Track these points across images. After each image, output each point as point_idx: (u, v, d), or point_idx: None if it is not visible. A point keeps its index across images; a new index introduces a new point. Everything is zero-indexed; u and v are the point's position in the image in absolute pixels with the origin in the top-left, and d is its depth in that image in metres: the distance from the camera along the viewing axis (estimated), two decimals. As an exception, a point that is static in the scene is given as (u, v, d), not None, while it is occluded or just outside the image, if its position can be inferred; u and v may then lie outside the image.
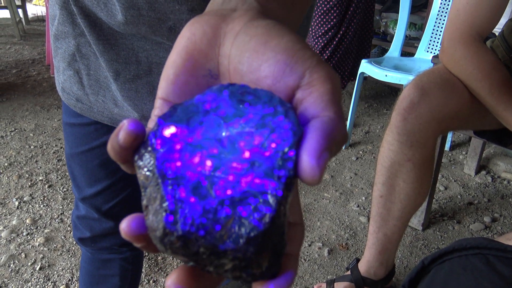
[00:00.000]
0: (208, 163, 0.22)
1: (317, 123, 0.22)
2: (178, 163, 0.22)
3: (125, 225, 0.22)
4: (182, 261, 0.22)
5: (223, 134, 0.22)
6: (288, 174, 0.21)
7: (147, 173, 0.22)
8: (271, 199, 0.21)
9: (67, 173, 1.71)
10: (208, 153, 0.22)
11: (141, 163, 0.22)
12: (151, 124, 0.26)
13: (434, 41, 2.31)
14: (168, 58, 0.26)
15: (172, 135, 0.22)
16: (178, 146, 0.22)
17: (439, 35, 2.28)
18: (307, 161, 0.21)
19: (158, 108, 0.26)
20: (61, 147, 2.13)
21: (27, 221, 1.62)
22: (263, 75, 0.24)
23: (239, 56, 0.24)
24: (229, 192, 0.21)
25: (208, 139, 0.22)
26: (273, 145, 0.22)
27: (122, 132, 0.22)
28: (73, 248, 1.51)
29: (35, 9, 4.93)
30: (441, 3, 2.24)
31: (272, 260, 0.22)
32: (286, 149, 0.21)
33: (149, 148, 0.22)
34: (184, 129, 0.22)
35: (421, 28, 2.76)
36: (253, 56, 0.24)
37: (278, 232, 0.21)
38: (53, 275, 1.40)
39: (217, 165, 0.21)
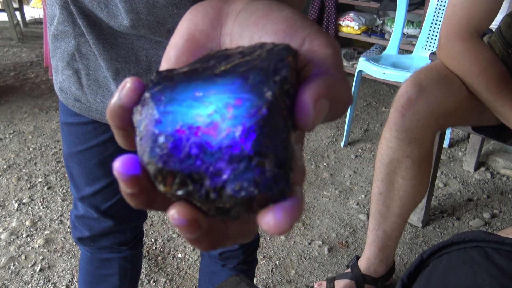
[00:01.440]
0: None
1: (322, 75, 0.21)
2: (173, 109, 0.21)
3: (119, 164, 0.21)
4: (176, 196, 0.20)
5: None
6: (283, 76, 0.20)
7: (144, 117, 0.21)
8: (267, 93, 0.20)
9: (66, 175, 1.71)
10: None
11: (139, 116, 0.21)
12: None
13: (431, 38, 2.31)
14: (170, 40, 0.26)
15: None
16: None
17: (437, 32, 2.28)
18: (304, 102, 0.20)
19: None
20: (60, 149, 2.13)
21: (27, 223, 1.62)
22: None
23: (240, 32, 0.24)
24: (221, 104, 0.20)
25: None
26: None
27: (124, 90, 0.22)
28: (73, 249, 1.50)
29: (33, 12, 4.93)
30: (438, 0, 2.24)
31: (278, 172, 0.19)
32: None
33: (147, 101, 0.22)
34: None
35: (419, 26, 2.77)
36: (254, 30, 0.24)
37: (280, 136, 0.20)
38: (53, 277, 1.39)
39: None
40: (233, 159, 0.19)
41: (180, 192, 0.20)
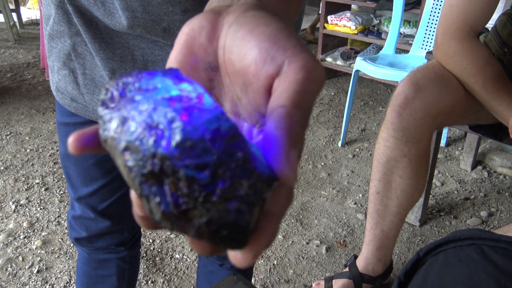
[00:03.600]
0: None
1: (273, 123, 0.22)
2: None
3: (73, 138, 0.23)
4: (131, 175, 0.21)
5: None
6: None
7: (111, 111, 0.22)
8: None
9: (64, 176, 1.71)
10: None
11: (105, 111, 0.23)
12: None
13: (428, 38, 2.31)
14: (170, 54, 0.27)
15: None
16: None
17: (433, 31, 2.28)
18: (278, 168, 0.21)
19: None
20: (57, 150, 2.13)
21: (24, 224, 1.62)
22: (247, 63, 0.24)
23: (230, 46, 0.25)
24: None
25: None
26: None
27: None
28: (70, 250, 1.50)
29: (29, 13, 4.92)
30: (434, 0, 2.25)
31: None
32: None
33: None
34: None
35: (415, 25, 2.77)
36: (241, 45, 0.24)
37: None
38: (50, 278, 1.39)
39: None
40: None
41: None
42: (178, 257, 1.49)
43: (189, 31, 0.26)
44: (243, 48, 0.24)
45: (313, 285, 1.36)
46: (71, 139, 0.22)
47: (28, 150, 2.12)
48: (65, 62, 0.62)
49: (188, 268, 1.45)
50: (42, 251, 1.49)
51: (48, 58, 0.66)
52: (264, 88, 0.24)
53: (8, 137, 2.24)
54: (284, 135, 0.21)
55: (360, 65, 2.09)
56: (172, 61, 0.26)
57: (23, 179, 1.89)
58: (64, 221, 1.64)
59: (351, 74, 2.18)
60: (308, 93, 0.23)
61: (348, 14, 2.92)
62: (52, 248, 1.51)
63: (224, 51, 0.25)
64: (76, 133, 0.23)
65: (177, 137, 0.20)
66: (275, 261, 1.48)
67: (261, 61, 0.23)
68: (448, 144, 2.26)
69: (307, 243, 1.56)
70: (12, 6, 4.17)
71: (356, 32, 2.89)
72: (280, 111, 0.22)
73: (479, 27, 1.10)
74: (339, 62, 2.97)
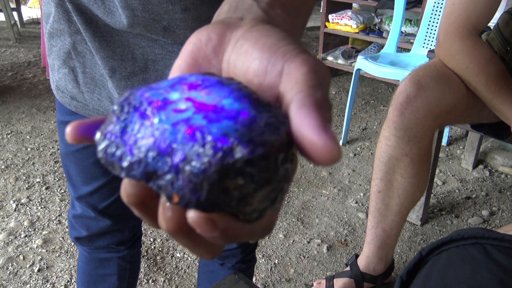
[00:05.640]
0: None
1: (297, 104, 0.21)
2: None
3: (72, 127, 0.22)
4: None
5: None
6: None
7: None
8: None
9: (64, 175, 1.70)
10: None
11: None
12: None
13: (429, 37, 2.31)
14: (174, 62, 0.27)
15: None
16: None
17: (435, 30, 2.28)
18: (317, 140, 0.19)
19: None
20: (58, 149, 2.13)
21: (25, 223, 1.62)
22: (251, 76, 0.24)
23: (235, 60, 0.25)
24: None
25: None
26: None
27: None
28: (71, 249, 1.50)
29: (30, 12, 4.92)
30: (436, -1, 2.24)
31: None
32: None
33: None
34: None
35: (417, 24, 2.77)
36: (244, 58, 0.24)
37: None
38: (51, 277, 1.39)
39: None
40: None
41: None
42: (179, 256, 1.49)
43: (196, 41, 0.26)
44: (246, 61, 0.24)
45: (314, 284, 1.36)
46: (69, 128, 0.22)
47: (29, 149, 2.12)
48: (65, 60, 0.62)
49: (189, 267, 1.45)
50: (43, 250, 1.49)
51: (48, 56, 0.66)
52: (272, 98, 0.24)
53: (9, 136, 2.24)
54: (315, 113, 0.20)
55: (361, 64, 2.09)
56: (176, 69, 0.26)
57: (24, 178, 1.89)
58: (65, 220, 1.64)
59: (352, 73, 2.18)
60: (319, 78, 0.22)
61: (349, 12, 2.92)
62: (53, 247, 1.51)
63: (229, 65, 0.25)
64: (74, 122, 0.22)
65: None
66: (276, 260, 1.48)
67: (262, 72, 0.23)
68: (449, 143, 2.26)
69: (308, 242, 1.56)
70: (13, 5, 4.17)
71: (357, 31, 2.89)
72: (300, 95, 0.21)
73: (481, 25, 1.09)
74: (340, 61, 2.96)
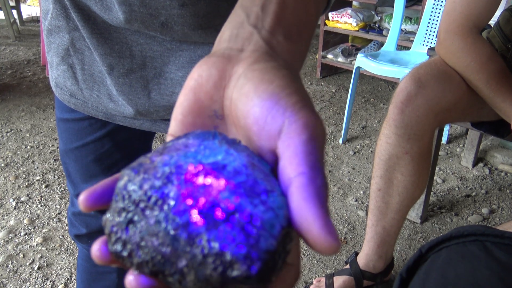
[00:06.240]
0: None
1: (299, 194, 0.21)
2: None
3: (97, 248, 0.23)
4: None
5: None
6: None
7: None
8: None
9: (64, 173, 1.70)
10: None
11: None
12: (168, 138, 0.27)
13: (429, 34, 2.31)
14: (178, 98, 0.27)
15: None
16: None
17: (435, 28, 2.27)
18: (319, 235, 0.20)
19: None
20: (57, 147, 2.12)
21: (25, 221, 1.62)
22: (250, 122, 0.24)
23: (236, 99, 0.25)
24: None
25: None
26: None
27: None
28: (71, 247, 1.50)
29: (29, 10, 4.91)
30: (436, -4, 2.24)
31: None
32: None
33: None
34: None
35: (417, 22, 2.76)
36: (244, 101, 0.25)
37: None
38: (51, 275, 1.39)
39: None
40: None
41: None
42: (179, 254, 1.49)
43: (197, 77, 0.26)
44: (246, 105, 0.24)
45: (314, 282, 1.36)
46: (81, 198, 0.23)
47: (28, 147, 2.12)
48: (64, 57, 0.62)
49: (188, 265, 1.45)
50: (43, 248, 1.49)
51: (47, 53, 0.65)
52: (268, 148, 0.24)
53: (8, 134, 2.24)
54: (317, 205, 0.21)
55: (361, 62, 2.08)
56: (179, 105, 0.27)
57: (24, 176, 1.89)
58: (65, 218, 1.64)
59: (352, 71, 2.17)
60: (318, 150, 0.23)
61: (349, 10, 2.91)
62: (53, 244, 1.51)
63: (231, 103, 0.26)
64: (85, 192, 0.23)
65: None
66: (276, 258, 1.48)
67: (262, 121, 0.24)
68: (449, 141, 2.26)
69: (308, 240, 1.56)
70: (12, 3, 4.16)
71: (357, 28, 2.88)
72: (301, 181, 0.21)
73: (482, 23, 1.09)
74: (340, 59, 2.96)
